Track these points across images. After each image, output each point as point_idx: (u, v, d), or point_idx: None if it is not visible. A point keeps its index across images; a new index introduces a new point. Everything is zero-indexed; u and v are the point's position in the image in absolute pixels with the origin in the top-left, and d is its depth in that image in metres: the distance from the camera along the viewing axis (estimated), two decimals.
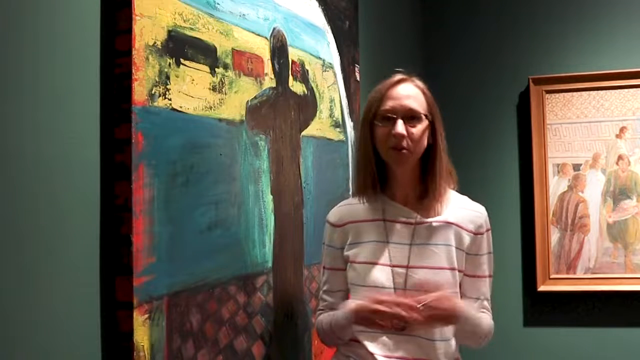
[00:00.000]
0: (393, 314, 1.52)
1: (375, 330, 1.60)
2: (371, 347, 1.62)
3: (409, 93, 1.63)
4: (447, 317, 1.57)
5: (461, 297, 1.67)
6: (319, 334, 1.74)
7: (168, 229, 1.31)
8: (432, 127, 1.64)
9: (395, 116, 1.60)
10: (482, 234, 1.67)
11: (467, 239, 1.65)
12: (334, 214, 1.75)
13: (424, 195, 1.65)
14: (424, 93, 1.65)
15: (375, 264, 1.64)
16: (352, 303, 1.62)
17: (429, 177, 1.65)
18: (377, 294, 1.57)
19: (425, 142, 1.63)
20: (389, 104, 1.62)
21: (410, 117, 1.61)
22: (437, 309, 1.53)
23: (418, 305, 1.52)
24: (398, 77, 1.66)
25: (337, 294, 1.73)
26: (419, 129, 1.61)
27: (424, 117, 1.62)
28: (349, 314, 1.61)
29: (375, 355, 1.62)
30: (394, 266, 1.63)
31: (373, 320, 1.56)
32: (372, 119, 1.64)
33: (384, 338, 1.62)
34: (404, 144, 1.59)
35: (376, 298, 1.55)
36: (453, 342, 1.65)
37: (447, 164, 1.68)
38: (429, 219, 1.65)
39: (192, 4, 1.40)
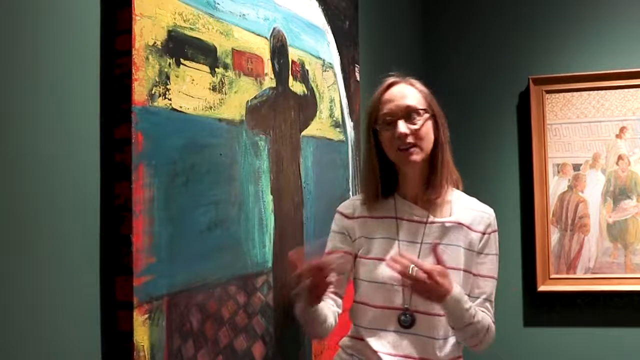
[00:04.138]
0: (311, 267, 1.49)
1: (377, 341, 1.60)
2: (375, 345, 1.63)
3: (404, 92, 1.65)
4: (437, 290, 1.51)
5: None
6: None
7: (168, 229, 1.31)
8: (434, 121, 1.65)
9: (395, 118, 1.62)
10: (489, 234, 1.68)
11: (476, 240, 1.66)
12: (346, 206, 1.76)
13: (427, 187, 1.66)
14: (418, 89, 1.67)
15: (384, 260, 1.64)
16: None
17: (432, 169, 1.66)
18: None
19: (431, 136, 1.64)
20: (386, 108, 1.64)
21: (410, 114, 1.62)
22: (429, 276, 1.49)
23: (412, 266, 1.49)
24: (390, 80, 1.68)
25: (339, 276, 1.69)
26: (420, 124, 1.62)
27: (422, 111, 1.63)
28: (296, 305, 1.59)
29: (379, 354, 1.62)
30: None
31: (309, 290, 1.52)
32: (374, 125, 1.66)
33: (388, 336, 1.63)
34: (410, 141, 1.60)
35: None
36: (453, 340, 1.65)
37: (450, 159, 1.68)
38: (441, 219, 1.66)
39: (192, 4, 1.40)
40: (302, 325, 1.68)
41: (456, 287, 1.56)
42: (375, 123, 1.66)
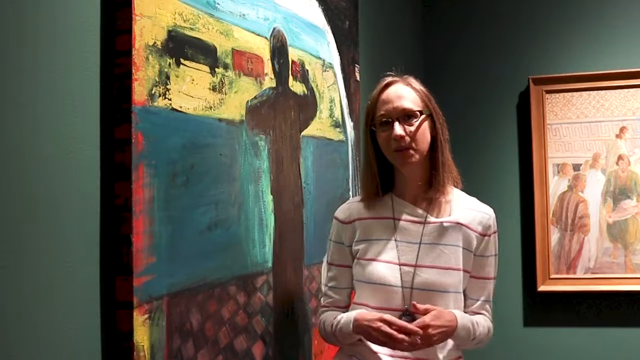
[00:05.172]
0: (395, 338, 1.53)
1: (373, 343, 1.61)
2: (374, 345, 1.62)
3: (400, 93, 1.65)
4: (446, 332, 1.57)
5: (464, 297, 1.67)
6: (320, 332, 1.74)
7: (168, 229, 1.31)
8: (432, 120, 1.65)
9: (390, 119, 1.62)
10: (489, 235, 1.68)
11: (474, 240, 1.66)
12: (342, 211, 1.76)
13: (429, 186, 1.66)
14: (415, 89, 1.66)
15: (383, 261, 1.64)
16: (356, 312, 1.63)
17: (433, 168, 1.66)
18: (385, 313, 1.57)
19: (427, 137, 1.65)
20: (383, 109, 1.64)
21: (406, 116, 1.62)
22: (436, 327, 1.55)
23: (420, 332, 1.53)
24: (387, 80, 1.68)
25: (343, 290, 1.74)
26: (416, 125, 1.62)
27: (418, 113, 1.63)
28: (351, 323, 1.61)
29: (379, 354, 1.62)
30: (402, 264, 1.63)
31: (373, 335, 1.56)
32: (371, 125, 1.67)
33: None
34: (405, 143, 1.60)
35: (382, 317, 1.56)
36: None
37: (449, 158, 1.69)
38: (440, 219, 1.66)
39: (192, 4, 1.40)
40: (335, 337, 1.69)
41: (456, 314, 1.60)
42: (372, 123, 1.66)
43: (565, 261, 3.17)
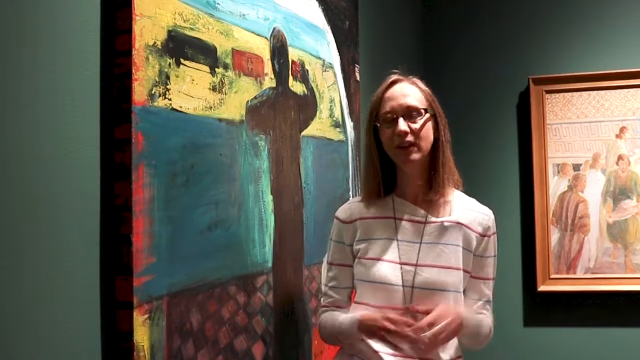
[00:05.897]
0: (401, 334, 1.52)
1: (378, 341, 1.60)
2: (375, 345, 1.63)
3: (405, 91, 1.65)
4: (453, 330, 1.58)
5: (464, 297, 1.68)
6: (321, 332, 1.74)
7: (168, 229, 1.31)
8: (435, 121, 1.66)
9: (395, 116, 1.63)
10: (488, 236, 1.69)
11: (474, 240, 1.67)
12: (343, 211, 1.76)
13: (430, 187, 1.66)
14: (420, 89, 1.68)
15: (384, 260, 1.65)
16: (360, 312, 1.63)
17: (434, 169, 1.67)
18: (389, 311, 1.58)
19: (430, 136, 1.65)
20: (387, 106, 1.65)
21: (410, 113, 1.63)
22: (443, 325, 1.54)
23: (426, 330, 1.53)
24: (393, 78, 1.69)
25: (343, 290, 1.74)
26: (420, 124, 1.63)
27: (423, 111, 1.64)
28: (355, 323, 1.61)
29: (380, 354, 1.62)
30: (402, 264, 1.64)
31: (379, 335, 1.57)
32: (375, 122, 1.67)
33: (389, 336, 1.62)
34: (409, 139, 1.61)
35: (386, 314, 1.56)
36: (455, 341, 1.66)
37: (451, 159, 1.69)
38: (440, 219, 1.67)
39: (192, 4, 1.40)
40: (337, 338, 1.69)
41: (461, 310, 1.60)
42: (376, 120, 1.66)
43: (565, 261, 3.17)
